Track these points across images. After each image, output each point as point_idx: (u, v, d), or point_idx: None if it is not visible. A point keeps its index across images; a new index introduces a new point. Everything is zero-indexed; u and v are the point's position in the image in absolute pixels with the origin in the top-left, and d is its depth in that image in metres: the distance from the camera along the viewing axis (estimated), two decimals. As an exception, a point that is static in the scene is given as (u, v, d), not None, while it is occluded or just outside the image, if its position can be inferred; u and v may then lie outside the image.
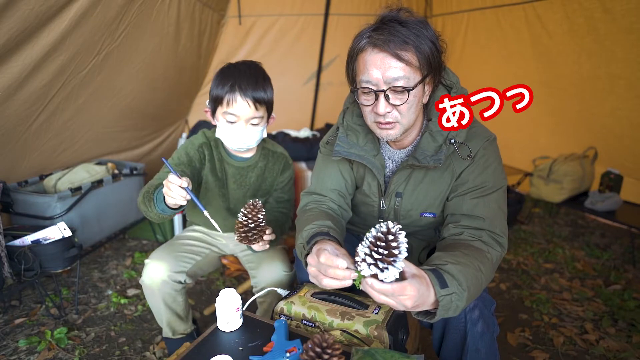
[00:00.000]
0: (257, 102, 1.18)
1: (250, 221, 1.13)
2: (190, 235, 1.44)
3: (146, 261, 1.25)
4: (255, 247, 1.19)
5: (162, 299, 1.24)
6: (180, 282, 1.25)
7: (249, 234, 1.14)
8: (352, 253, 0.79)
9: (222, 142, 1.33)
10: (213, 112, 1.25)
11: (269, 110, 1.26)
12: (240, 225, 1.14)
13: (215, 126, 1.29)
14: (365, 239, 0.73)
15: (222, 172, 1.34)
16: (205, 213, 1.04)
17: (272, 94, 1.25)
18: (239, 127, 1.21)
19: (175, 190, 0.97)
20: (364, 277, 0.72)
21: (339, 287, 0.80)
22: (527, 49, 2.76)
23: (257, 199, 1.15)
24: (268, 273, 1.29)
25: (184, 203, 1.01)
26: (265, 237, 1.17)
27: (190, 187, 0.99)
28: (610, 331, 1.66)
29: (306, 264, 0.91)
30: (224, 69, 1.23)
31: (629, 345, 1.57)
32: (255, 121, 1.21)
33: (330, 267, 0.78)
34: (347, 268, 0.77)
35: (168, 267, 1.22)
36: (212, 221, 1.08)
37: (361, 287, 0.74)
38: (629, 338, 1.62)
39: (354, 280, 0.75)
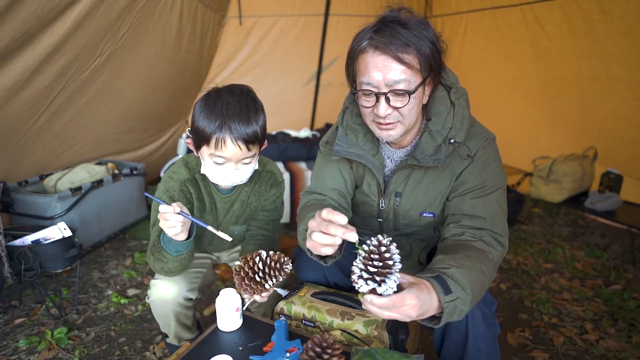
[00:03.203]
0: (249, 143, 1.03)
1: (261, 279, 0.94)
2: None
3: (153, 281, 1.18)
4: (245, 295, 1.00)
5: (174, 317, 1.21)
6: (191, 299, 1.22)
7: (245, 284, 0.94)
8: (351, 257, 0.78)
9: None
10: (197, 147, 1.08)
11: (262, 142, 1.11)
12: (245, 269, 0.94)
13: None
14: (358, 256, 0.73)
15: (212, 206, 1.23)
16: (210, 228, 0.98)
17: (265, 119, 1.09)
18: (228, 168, 1.07)
19: (172, 218, 0.91)
20: (363, 294, 0.71)
21: (329, 246, 0.78)
22: (526, 50, 2.77)
23: (287, 258, 0.96)
24: None
25: (181, 230, 0.95)
26: (256, 297, 0.98)
27: (183, 210, 0.93)
28: (610, 331, 1.67)
29: (308, 251, 0.90)
30: (210, 98, 1.04)
31: (629, 345, 1.57)
32: (247, 160, 1.08)
33: (330, 224, 0.76)
34: (344, 226, 0.75)
35: (179, 286, 1.17)
36: (219, 233, 0.99)
37: (363, 307, 0.74)
38: (629, 338, 1.62)
39: (358, 292, 0.73)
